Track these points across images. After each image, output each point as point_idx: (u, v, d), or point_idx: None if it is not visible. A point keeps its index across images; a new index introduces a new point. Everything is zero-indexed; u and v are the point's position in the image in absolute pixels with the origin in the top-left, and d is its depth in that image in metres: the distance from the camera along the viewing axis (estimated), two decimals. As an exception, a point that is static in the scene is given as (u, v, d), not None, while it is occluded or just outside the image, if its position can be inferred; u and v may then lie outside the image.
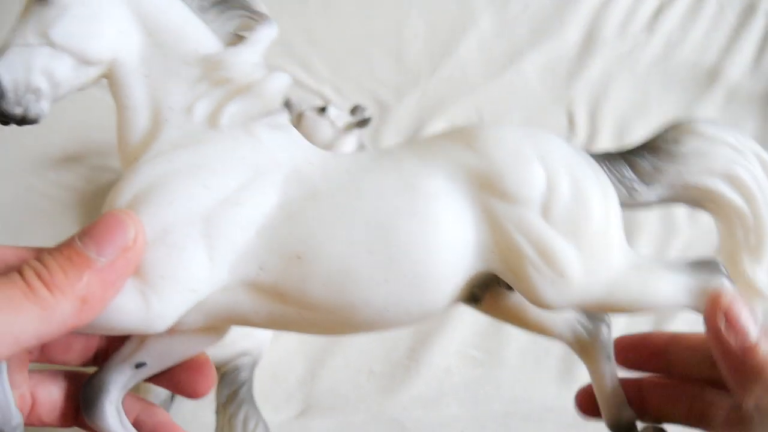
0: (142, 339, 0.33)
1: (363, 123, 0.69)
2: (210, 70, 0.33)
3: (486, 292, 0.34)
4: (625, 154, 0.34)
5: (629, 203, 0.34)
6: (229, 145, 0.32)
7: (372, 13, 0.94)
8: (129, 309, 0.30)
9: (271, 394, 0.63)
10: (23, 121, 0.32)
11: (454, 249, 0.32)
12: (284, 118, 0.35)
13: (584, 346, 0.38)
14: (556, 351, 0.66)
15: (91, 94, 0.90)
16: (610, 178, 0.33)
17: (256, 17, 0.34)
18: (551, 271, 0.32)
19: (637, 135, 0.80)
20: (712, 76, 0.86)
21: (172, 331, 0.32)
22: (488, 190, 0.32)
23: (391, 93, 0.86)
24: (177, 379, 0.36)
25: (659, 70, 0.87)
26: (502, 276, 0.33)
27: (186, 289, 0.31)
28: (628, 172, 0.34)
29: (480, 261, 0.32)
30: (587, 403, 0.39)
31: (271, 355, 0.62)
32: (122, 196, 0.31)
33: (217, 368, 0.56)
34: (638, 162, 0.34)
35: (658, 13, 0.92)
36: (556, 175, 0.32)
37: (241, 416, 0.53)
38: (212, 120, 0.33)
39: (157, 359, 0.34)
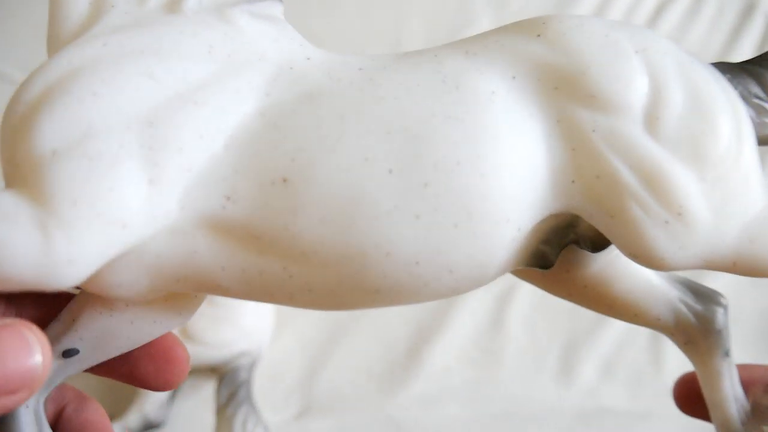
0: (73, 316, 0.24)
1: None
2: None
3: (559, 251, 0.24)
4: (749, 65, 0.26)
5: (757, 132, 0.25)
6: (190, 29, 0.23)
7: (372, 13, 0.94)
8: (20, 247, 0.19)
9: (270, 395, 0.63)
10: None
11: (518, 175, 0.23)
12: (277, 7, 0.27)
13: (691, 337, 0.27)
14: (556, 351, 0.66)
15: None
16: (737, 95, 0.24)
17: None
18: (664, 208, 0.22)
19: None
20: (711, 76, 0.86)
21: (108, 297, 0.23)
22: (567, 92, 0.23)
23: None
24: (136, 371, 0.27)
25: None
26: (589, 218, 0.23)
27: (110, 222, 0.20)
28: (757, 89, 0.25)
29: (555, 196, 0.23)
30: (689, 398, 0.30)
31: (270, 355, 0.62)
32: (30, 88, 0.22)
33: (216, 369, 0.56)
34: None
35: (657, 13, 0.92)
36: (664, 76, 0.23)
37: (240, 417, 0.53)
38: (172, 3, 0.24)
39: (93, 345, 0.24)
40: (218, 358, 0.55)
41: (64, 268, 0.20)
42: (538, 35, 0.24)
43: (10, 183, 0.21)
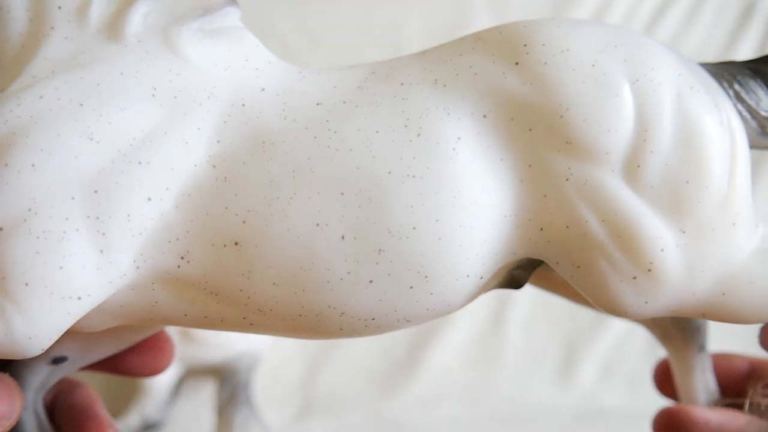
0: None
1: None
2: None
3: (532, 272, 0.24)
4: (757, 64, 0.24)
5: (760, 144, 0.23)
6: (132, 69, 0.21)
7: (371, 13, 0.94)
8: None
9: (270, 395, 0.63)
10: None
11: (480, 230, 0.21)
12: (231, 16, 0.24)
13: (667, 331, 0.28)
14: (555, 351, 0.66)
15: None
16: (737, 108, 0.23)
17: None
18: (633, 264, 0.21)
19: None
20: (711, 77, 0.86)
21: (76, 333, 0.23)
22: (542, 134, 0.21)
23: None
24: (124, 365, 0.28)
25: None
26: (554, 265, 0.22)
27: (65, 298, 0.20)
28: (763, 93, 0.23)
29: (520, 244, 0.22)
30: (667, 381, 0.30)
31: (270, 356, 0.62)
32: None
33: (217, 370, 0.56)
34: None
35: (658, 14, 0.92)
36: (655, 114, 0.21)
37: (240, 418, 0.53)
38: (113, 27, 0.22)
39: (80, 352, 0.26)
40: (219, 358, 0.55)
41: (26, 344, 0.20)
42: (517, 63, 0.22)
43: None
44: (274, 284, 0.21)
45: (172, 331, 0.53)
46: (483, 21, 0.92)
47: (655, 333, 0.28)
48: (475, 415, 0.62)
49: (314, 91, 0.23)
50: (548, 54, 0.21)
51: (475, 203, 0.21)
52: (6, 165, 0.20)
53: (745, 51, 0.89)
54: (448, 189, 0.21)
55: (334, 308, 0.22)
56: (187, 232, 0.21)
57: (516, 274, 0.23)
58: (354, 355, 0.66)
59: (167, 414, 0.57)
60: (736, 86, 0.23)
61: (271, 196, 0.21)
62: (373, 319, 0.22)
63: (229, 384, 0.55)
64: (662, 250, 0.21)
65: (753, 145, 0.23)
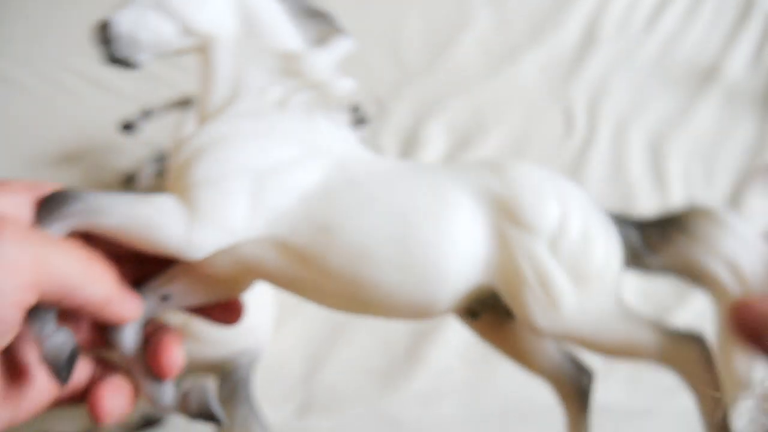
0: (173, 275, 0.36)
1: (361, 122, 0.70)
2: (290, 64, 0.38)
3: (484, 310, 0.37)
4: (639, 221, 0.37)
5: (631, 265, 0.36)
6: (289, 125, 0.37)
7: (370, 12, 0.94)
8: (173, 231, 0.33)
9: (269, 393, 0.63)
10: (126, 64, 0.38)
11: (464, 258, 0.34)
12: (343, 118, 0.38)
13: (566, 392, 0.42)
14: (555, 349, 0.66)
15: (90, 93, 0.90)
16: (619, 236, 0.36)
17: (336, 30, 0.39)
18: (546, 298, 0.34)
19: (635, 134, 0.80)
20: (710, 75, 0.86)
21: (202, 269, 0.35)
22: (506, 215, 0.35)
23: (389, 91, 0.86)
24: (209, 313, 0.39)
25: (657, 70, 0.87)
26: (501, 293, 0.35)
27: (224, 229, 0.34)
28: (636, 237, 0.36)
29: (484, 275, 0.35)
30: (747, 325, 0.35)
31: (270, 353, 0.62)
32: (190, 144, 0.36)
33: (216, 367, 0.56)
34: (649, 230, 0.36)
35: (657, 12, 0.93)
36: (569, 215, 0.35)
37: (240, 415, 0.54)
38: (281, 103, 0.37)
39: (181, 295, 0.37)
40: (218, 355, 0.55)
41: (193, 248, 0.33)
42: (498, 173, 0.36)
43: (172, 192, 0.34)
44: (341, 257, 0.34)
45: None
46: (481, 20, 0.92)
47: (559, 392, 0.42)
48: (474, 412, 0.63)
49: (387, 164, 0.37)
50: (516, 174, 0.36)
51: (466, 240, 0.34)
52: (211, 152, 0.35)
53: (744, 49, 0.89)
54: (451, 227, 0.34)
55: (373, 280, 0.34)
56: (302, 216, 0.34)
57: (474, 307, 0.37)
58: (354, 352, 0.66)
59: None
60: (620, 223, 0.36)
61: (352, 206, 0.35)
62: (392, 295, 0.35)
63: (229, 381, 0.55)
64: (563, 294, 0.34)
65: (625, 264, 0.36)
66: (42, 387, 0.34)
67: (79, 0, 0.96)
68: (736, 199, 0.75)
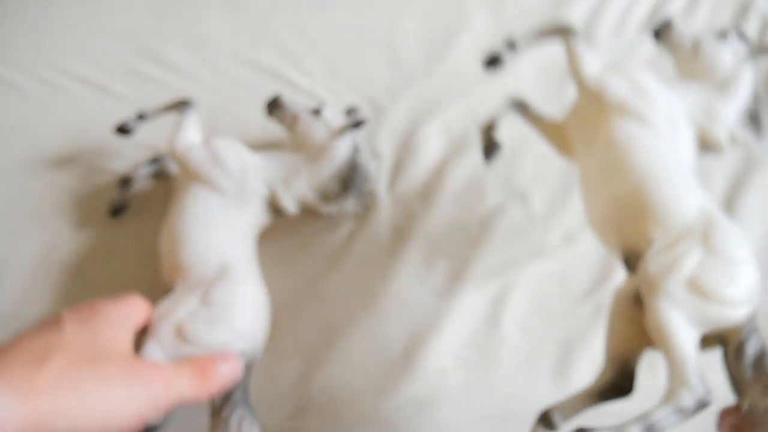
0: None
1: (357, 125, 0.69)
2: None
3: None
4: None
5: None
6: None
7: (366, 13, 0.94)
8: None
9: (265, 396, 0.63)
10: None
11: None
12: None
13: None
14: (551, 351, 0.66)
15: (86, 95, 0.90)
16: None
17: None
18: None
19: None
20: (706, 77, 0.86)
21: None
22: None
23: (385, 93, 0.86)
24: None
25: (654, 72, 0.87)
26: None
27: None
28: None
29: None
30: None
31: (265, 356, 0.61)
32: None
33: None
34: None
35: (653, 14, 0.93)
36: None
37: (235, 419, 0.53)
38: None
39: None
40: None
41: None
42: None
43: None
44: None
45: (167, 331, 0.53)
46: (478, 22, 0.92)
47: None
48: (471, 415, 0.63)
49: None
50: None
51: None
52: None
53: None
54: None
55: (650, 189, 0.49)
56: None
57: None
58: (349, 355, 0.66)
59: (166, 415, 0.57)
60: None
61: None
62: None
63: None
64: None
65: None
66: None
67: (75, 3, 0.96)
68: (730, 202, 0.74)
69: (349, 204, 0.70)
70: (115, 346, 0.45)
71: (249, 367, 0.56)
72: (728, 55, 0.58)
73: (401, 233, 0.74)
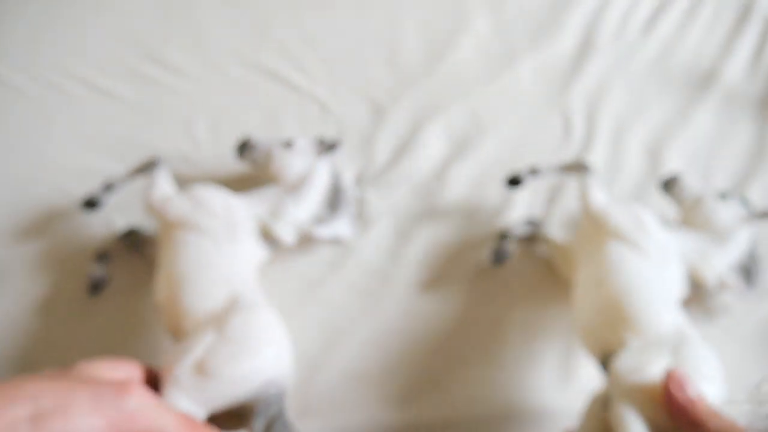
0: None
1: (332, 147, 0.71)
2: None
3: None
4: None
5: None
6: None
7: (366, 14, 0.94)
8: None
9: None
10: None
11: None
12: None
13: None
14: (554, 352, 0.66)
15: (89, 98, 0.89)
16: None
17: None
18: None
19: (634, 138, 0.80)
20: (708, 79, 0.86)
21: None
22: None
23: (385, 94, 0.86)
24: None
25: (656, 74, 0.87)
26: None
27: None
28: None
29: None
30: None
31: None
32: None
33: (244, 411, 0.52)
34: None
35: (655, 16, 0.93)
36: None
37: None
38: None
39: None
40: (241, 393, 0.51)
41: None
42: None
43: None
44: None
45: (185, 372, 0.51)
46: (479, 24, 0.92)
47: None
48: (473, 417, 0.62)
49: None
50: None
51: None
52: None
53: (742, 54, 0.89)
54: None
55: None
56: None
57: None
58: (349, 358, 0.66)
59: None
60: None
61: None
62: None
63: (262, 417, 0.51)
64: None
65: None
66: None
67: (76, 3, 0.95)
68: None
69: (343, 228, 0.71)
70: None
71: (281, 395, 0.53)
72: (726, 215, 0.64)
73: (402, 235, 0.74)
